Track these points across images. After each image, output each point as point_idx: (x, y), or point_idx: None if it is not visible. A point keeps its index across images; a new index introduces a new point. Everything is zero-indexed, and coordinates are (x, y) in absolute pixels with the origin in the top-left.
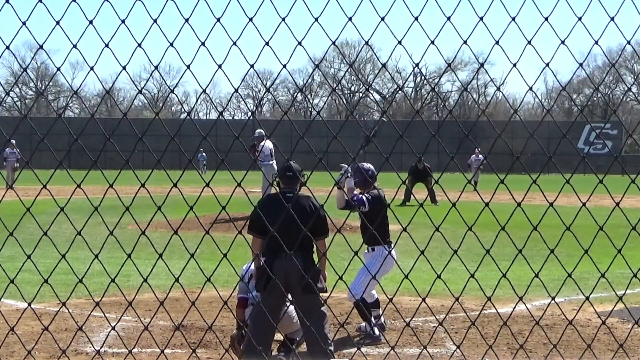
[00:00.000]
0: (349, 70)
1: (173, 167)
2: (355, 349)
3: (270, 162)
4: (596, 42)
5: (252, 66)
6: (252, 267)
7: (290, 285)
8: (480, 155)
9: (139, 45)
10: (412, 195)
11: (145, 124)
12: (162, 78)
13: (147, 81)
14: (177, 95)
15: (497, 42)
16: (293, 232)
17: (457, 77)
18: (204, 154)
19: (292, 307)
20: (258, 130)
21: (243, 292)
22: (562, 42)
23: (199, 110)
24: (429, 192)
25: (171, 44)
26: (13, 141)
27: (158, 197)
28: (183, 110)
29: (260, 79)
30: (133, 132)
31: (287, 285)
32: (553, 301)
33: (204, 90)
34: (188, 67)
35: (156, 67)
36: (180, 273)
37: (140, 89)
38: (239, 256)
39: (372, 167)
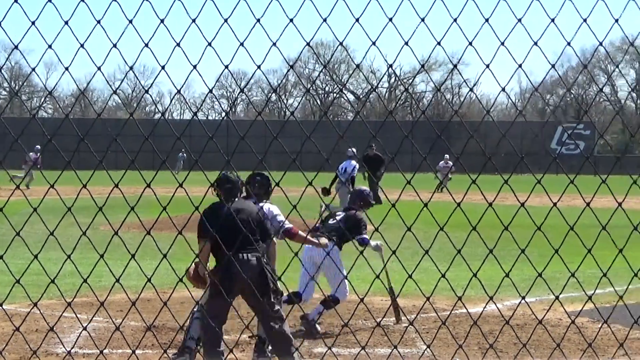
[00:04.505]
0: (323, 70)
1: (147, 168)
2: (327, 349)
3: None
4: (568, 44)
5: (226, 67)
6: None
7: (247, 289)
8: (449, 162)
9: (114, 45)
10: (383, 194)
11: (119, 125)
12: (137, 78)
13: (121, 82)
14: (151, 96)
15: (470, 43)
16: (241, 236)
17: (431, 78)
18: (184, 154)
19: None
20: None
21: None
22: (535, 43)
23: (173, 111)
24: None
25: (146, 45)
26: (38, 146)
27: (131, 198)
28: (157, 110)
29: (234, 79)
30: (107, 132)
31: (243, 289)
32: (523, 301)
33: (179, 91)
34: (163, 67)
35: (131, 68)
36: (152, 274)
37: (114, 89)
38: (211, 257)
39: (366, 188)
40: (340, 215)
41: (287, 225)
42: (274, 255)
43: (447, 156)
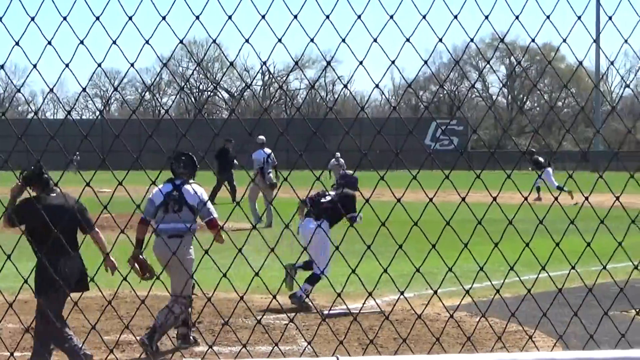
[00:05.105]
0: (197, 68)
1: (22, 168)
2: (208, 347)
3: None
4: (440, 40)
5: (99, 65)
6: (156, 192)
7: (69, 287)
8: (340, 160)
9: None
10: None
11: None
12: (8, 77)
13: None
14: (23, 95)
15: (343, 40)
16: (59, 233)
17: (305, 75)
18: (77, 156)
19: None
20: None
21: (149, 214)
22: (407, 40)
23: (46, 110)
24: (230, 188)
25: (17, 43)
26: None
27: (6, 198)
28: (30, 110)
29: (107, 78)
30: None
31: (69, 287)
32: (402, 296)
33: (51, 90)
34: (35, 66)
35: (2, 67)
36: (29, 275)
37: None
38: (91, 256)
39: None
40: (330, 195)
41: (214, 215)
42: (103, 243)
43: (338, 154)
